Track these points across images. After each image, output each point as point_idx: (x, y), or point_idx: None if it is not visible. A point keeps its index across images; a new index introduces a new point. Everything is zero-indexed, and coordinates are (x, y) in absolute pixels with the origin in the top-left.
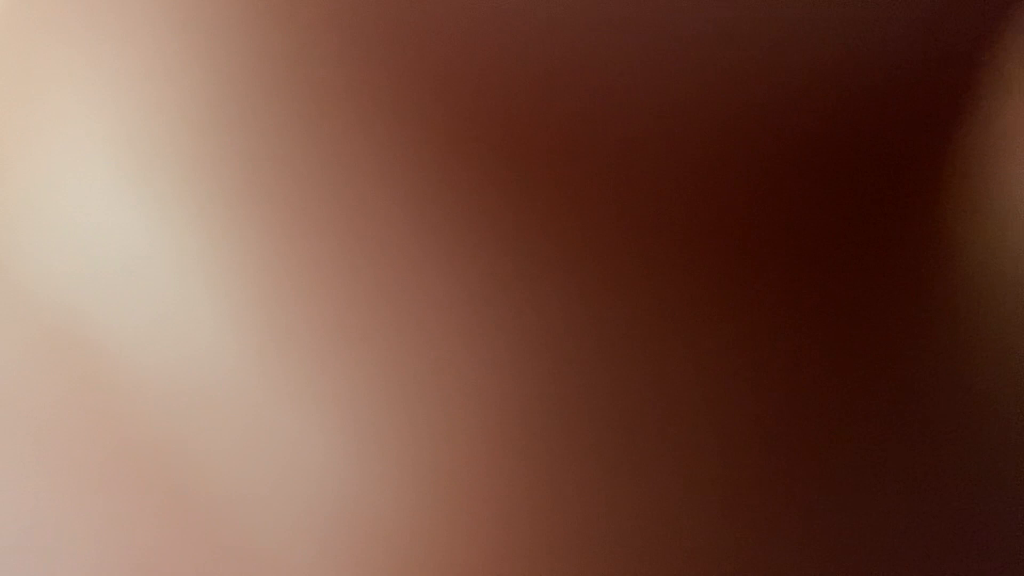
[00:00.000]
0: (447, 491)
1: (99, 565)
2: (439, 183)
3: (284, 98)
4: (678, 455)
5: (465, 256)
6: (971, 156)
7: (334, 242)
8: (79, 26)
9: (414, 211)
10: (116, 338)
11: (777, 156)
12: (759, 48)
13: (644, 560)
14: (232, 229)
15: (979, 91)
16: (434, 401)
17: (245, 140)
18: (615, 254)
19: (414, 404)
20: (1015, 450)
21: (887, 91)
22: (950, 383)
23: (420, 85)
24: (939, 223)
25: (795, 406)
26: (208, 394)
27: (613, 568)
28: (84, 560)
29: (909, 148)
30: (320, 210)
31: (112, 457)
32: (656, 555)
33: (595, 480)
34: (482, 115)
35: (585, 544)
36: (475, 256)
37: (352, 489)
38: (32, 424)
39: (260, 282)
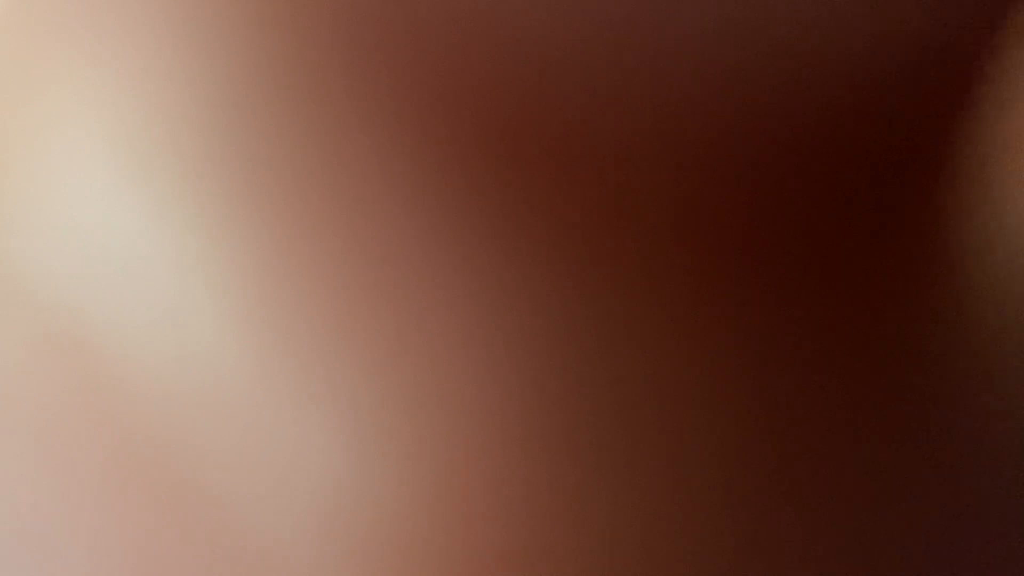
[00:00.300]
0: (447, 491)
1: (99, 565)
2: (439, 183)
3: (284, 98)
4: (678, 455)
5: (465, 256)
6: (971, 156)
7: (334, 242)
8: (79, 26)
9: (414, 211)
10: (116, 338)
11: (777, 155)
12: (759, 48)
13: (644, 560)
14: (232, 229)
15: (979, 91)
16: (434, 401)
17: (245, 140)
18: (615, 254)
19: (414, 404)
20: (1015, 450)
21: (887, 91)
22: (950, 382)
23: (420, 85)
24: (939, 223)
25: (795, 406)
26: (208, 394)
27: (613, 568)
28: (84, 560)
29: (909, 148)
30: (320, 210)
31: (112, 457)
32: (656, 555)
33: (595, 480)
34: (482, 115)
35: (585, 544)
36: (475, 256)
37: (352, 489)
38: (32, 424)
39: (260, 282)
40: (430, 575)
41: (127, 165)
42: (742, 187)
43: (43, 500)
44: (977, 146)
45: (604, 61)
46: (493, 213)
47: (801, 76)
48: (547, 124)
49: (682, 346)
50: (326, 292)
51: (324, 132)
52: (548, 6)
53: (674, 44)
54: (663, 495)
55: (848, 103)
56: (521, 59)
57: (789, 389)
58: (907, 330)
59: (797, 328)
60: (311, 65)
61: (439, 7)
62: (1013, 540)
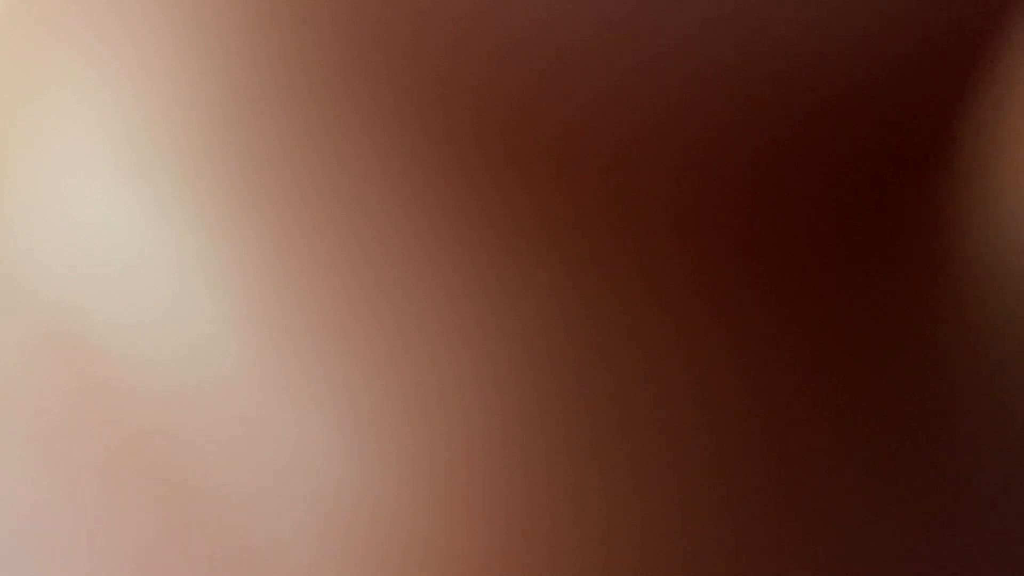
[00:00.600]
0: (447, 491)
1: (99, 564)
2: (439, 183)
3: (284, 98)
4: (678, 455)
5: (465, 256)
6: (971, 156)
7: (334, 242)
8: (79, 26)
9: (414, 211)
10: (116, 338)
11: (777, 155)
12: (759, 48)
13: (644, 560)
14: (232, 229)
15: (979, 91)
16: (434, 401)
17: (245, 140)
18: (615, 254)
19: (414, 404)
20: (1016, 450)
21: (887, 91)
22: (951, 382)
23: (420, 85)
24: (939, 223)
25: (795, 405)
26: (208, 393)
27: (613, 568)
28: (84, 559)
29: (909, 148)
30: (320, 210)
31: (112, 457)
32: (656, 555)
33: (595, 479)
34: (482, 115)
35: (585, 544)
36: (475, 256)
37: (352, 489)
38: (32, 424)
39: (260, 282)
40: (430, 575)
41: (127, 165)
42: (742, 187)
43: (43, 500)
44: (977, 146)
45: (604, 61)
46: (493, 213)
47: (801, 76)
48: (547, 124)
49: (682, 346)
50: (326, 292)
51: (324, 132)
52: (548, 6)
53: (674, 44)
54: (663, 495)
55: (848, 103)
56: (521, 59)
57: (789, 389)
58: (907, 330)
59: (797, 328)
60: (311, 65)
61: (439, 7)
62: (1013, 540)
